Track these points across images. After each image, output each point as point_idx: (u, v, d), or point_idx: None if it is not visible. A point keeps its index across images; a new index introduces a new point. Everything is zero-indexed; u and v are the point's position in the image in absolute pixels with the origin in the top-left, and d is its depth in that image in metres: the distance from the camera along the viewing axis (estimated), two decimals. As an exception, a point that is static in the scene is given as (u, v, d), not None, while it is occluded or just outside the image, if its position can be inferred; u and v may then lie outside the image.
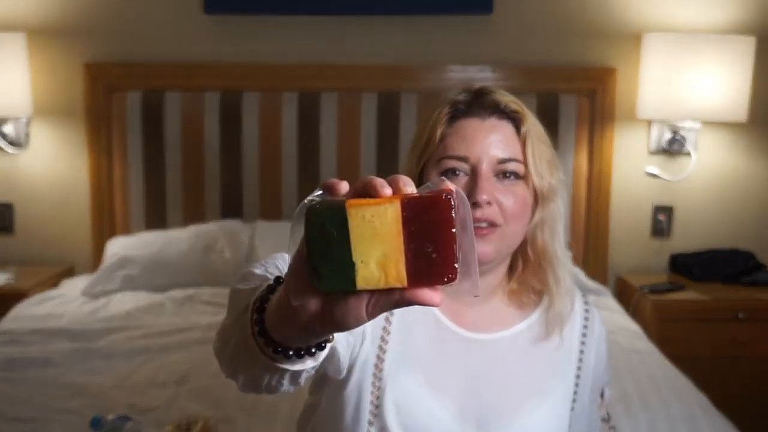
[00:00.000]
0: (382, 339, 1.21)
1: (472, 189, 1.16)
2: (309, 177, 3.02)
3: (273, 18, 3.00)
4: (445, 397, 1.20)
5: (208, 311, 2.60)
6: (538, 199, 1.21)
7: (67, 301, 2.68)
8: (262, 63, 3.03)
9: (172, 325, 2.46)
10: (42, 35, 3.00)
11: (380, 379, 1.19)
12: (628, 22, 3.00)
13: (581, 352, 1.29)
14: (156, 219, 3.05)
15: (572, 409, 1.27)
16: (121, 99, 3.02)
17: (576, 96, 3.01)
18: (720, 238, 3.11)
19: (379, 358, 1.20)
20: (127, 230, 3.05)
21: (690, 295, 2.84)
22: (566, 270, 1.26)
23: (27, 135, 3.04)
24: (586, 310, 1.32)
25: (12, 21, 2.99)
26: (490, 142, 1.18)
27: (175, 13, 3.02)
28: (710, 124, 3.00)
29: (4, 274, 2.89)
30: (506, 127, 1.19)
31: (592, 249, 3.06)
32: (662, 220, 3.10)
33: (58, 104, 3.05)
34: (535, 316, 1.28)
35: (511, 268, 1.28)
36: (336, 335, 0.98)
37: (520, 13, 3.01)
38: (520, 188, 1.19)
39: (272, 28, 3.02)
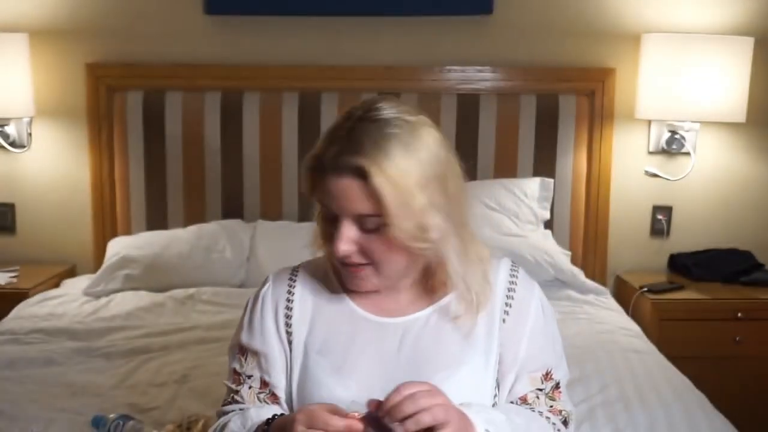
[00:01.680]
0: (287, 332, 1.35)
1: (335, 240, 1.23)
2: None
3: (274, 19, 3.01)
4: (351, 381, 1.28)
5: (208, 311, 2.61)
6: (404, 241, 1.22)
7: (68, 301, 2.69)
8: (263, 63, 3.03)
9: (173, 325, 2.47)
10: (44, 36, 3.01)
11: (291, 370, 1.34)
12: (628, 22, 3.00)
13: (503, 321, 1.32)
14: (157, 219, 3.06)
15: (501, 378, 1.33)
16: (122, 99, 3.03)
17: (575, 96, 3.01)
18: (719, 237, 3.12)
19: (289, 350, 1.35)
20: (128, 230, 3.06)
21: (689, 294, 2.85)
22: (469, 275, 1.30)
23: (29, 135, 3.05)
24: (511, 282, 1.35)
25: (14, 21, 3.00)
26: (344, 198, 1.20)
27: (176, 14, 3.03)
28: (709, 124, 3.01)
29: (5, 274, 2.90)
30: (356, 184, 1.19)
31: (591, 249, 3.07)
32: (661, 219, 3.10)
33: (59, 104, 3.06)
34: (447, 299, 1.33)
35: None
36: (272, 379, 1.34)
37: (520, 13, 3.02)
38: (385, 233, 1.20)
39: (273, 28, 3.03)
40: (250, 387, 1.35)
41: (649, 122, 3.04)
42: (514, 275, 1.37)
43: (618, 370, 2.11)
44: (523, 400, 1.33)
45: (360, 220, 1.22)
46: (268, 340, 1.35)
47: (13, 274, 2.91)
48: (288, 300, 1.36)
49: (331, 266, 1.35)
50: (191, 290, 2.73)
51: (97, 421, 1.76)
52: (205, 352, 2.25)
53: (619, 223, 3.10)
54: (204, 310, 2.61)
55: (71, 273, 3.08)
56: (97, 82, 3.01)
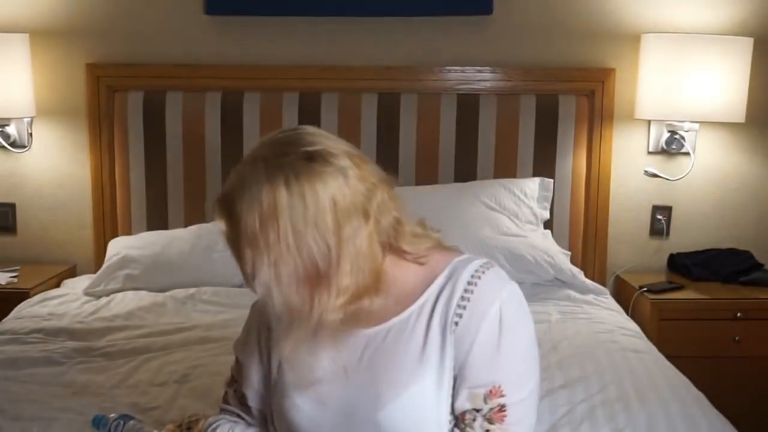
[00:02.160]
0: (269, 346, 1.36)
1: None
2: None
3: (274, 19, 3.01)
4: (312, 392, 1.27)
5: (209, 310, 2.61)
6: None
7: (68, 301, 2.70)
8: (263, 63, 3.04)
9: (174, 325, 2.47)
10: (44, 36, 3.01)
11: (273, 372, 1.35)
12: (627, 23, 3.01)
13: (454, 329, 1.22)
14: (157, 219, 3.06)
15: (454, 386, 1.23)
16: (122, 99, 3.03)
17: (575, 96, 3.02)
18: (718, 237, 3.12)
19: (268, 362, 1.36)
20: (128, 230, 3.07)
21: (688, 294, 2.85)
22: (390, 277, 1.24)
23: (29, 135, 3.06)
24: (469, 285, 1.23)
25: (15, 22, 3.00)
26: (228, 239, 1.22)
27: (176, 14, 3.03)
28: (709, 124, 3.01)
29: (6, 274, 2.91)
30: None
31: (591, 249, 3.07)
32: (661, 219, 3.11)
33: (60, 104, 3.06)
34: (415, 307, 1.26)
35: None
36: (245, 389, 1.39)
37: (520, 13, 3.02)
38: (271, 272, 1.17)
39: (273, 28, 3.03)
40: (235, 391, 1.42)
41: (649, 122, 3.05)
42: (475, 279, 1.24)
43: (617, 370, 2.11)
44: (462, 418, 1.23)
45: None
46: (251, 352, 1.38)
47: (13, 274, 2.92)
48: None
49: None
50: (192, 290, 2.73)
51: (98, 421, 1.76)
52: (205, 351, 2.25)
53: (619, 223, 3.11)
54: (204, 310, 2.61)
55: (72, 273, 3.08)
56: (97, 82, 3.01)
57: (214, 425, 1.41)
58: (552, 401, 1.91)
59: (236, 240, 1.18)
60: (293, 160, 1.13)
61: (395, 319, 1.26)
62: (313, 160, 1.13)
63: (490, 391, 1.21)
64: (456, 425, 1.24)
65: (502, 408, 1.21)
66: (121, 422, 1.73)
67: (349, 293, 1.17)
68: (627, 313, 2.75)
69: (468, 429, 1.22)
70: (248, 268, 1.18)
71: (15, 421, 1.80)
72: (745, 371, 2.79)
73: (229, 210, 1.18)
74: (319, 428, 1.27)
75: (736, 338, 2.77)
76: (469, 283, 1.23)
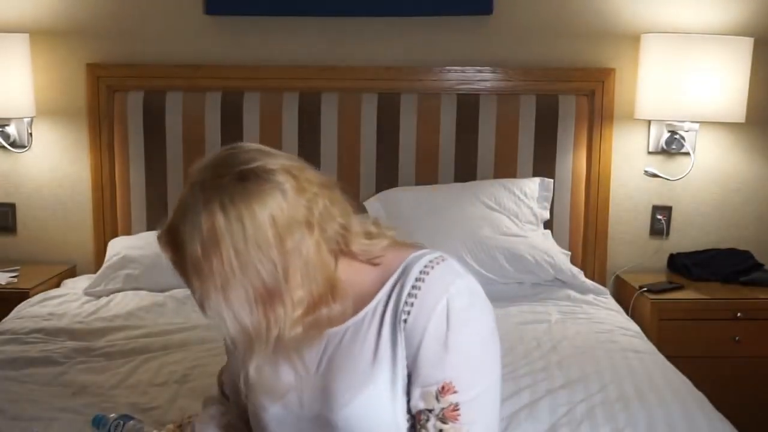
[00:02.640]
0: None
1: None
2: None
3: (274, 19, 3.01)
4: (273, 390, 1.27)
5: (209, 311, 2.61)
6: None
7: (68, 301, 2.70)
8: (263, 63, 3.04)
9: (174, 325, 2.47)
10: (45, 36, 3.01)
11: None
12: (627, 23, 3.01)
13: (403, 326, 1.20)
14: (157, 218, 3.05)
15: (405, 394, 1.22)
16: (122, 99, 3.03)
17: (575, 96, 3.01)
18: (718, 237, 3.12)
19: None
20: (128, 230, 3.07)
21: (688, 294, 2.85)
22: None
23: (29, 135, 3.06)
24: (418, 280, 1.20)
25: (15, 22, 3.00)
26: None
27: (176, 14, 3.03)
28: (709, 124, 3.01)
29: (6, 274, 2.91)
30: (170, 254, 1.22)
31: (590, 249, 3.07)
32: (661, 219, 3.11)
33: (60, 104, 3.06)
34: (369, 307, 1.24)
35: None
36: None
37: (520, 13, 3.02)
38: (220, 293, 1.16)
39: (273, 29, 3.03)
40: (225, 364, 1.50)
41: (649, 122, 3.04)
42: (423, 274, 1.20)
43: (617, 370, 2.11)
44: (417, 420, 1.21)
45: None
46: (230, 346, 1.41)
47: (13, 274, 2.92)
48: None
49: None
50: (191, 290, 2.73)
51: (98, 421, 1.76)
52: (205, 352, 2.25)
53: (619, 223, 3.11)
54: (204, 310, 2.61)
55: (72, 273, 3.08)
56: (97, 82, 3.01)
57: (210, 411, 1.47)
58: (552, 401, 1.91)
59: (183, 269, 1.18)
60: (227, 182, 1.12)
61: (351, 321, 1.25)
62: (248, 180, 1.12)
63: (442, 388, 1.18)
64: (413, 426, 1.23)
65: (455, 407, 1.18)
66: (121, 422, 1.73)
67: (304, 304, 1.16)
68: (627, 313, 2.75)
69: (422, 430, 1.20)
70: (197, 296, 1.16)
71: (15, 421, 1.80)
72: (746, 371, 2.79)
73: (174, 240, 1.17)
74: (285, 428, 1.29)
75: (737, 338, 2.77)
76: (417, 279, 1.20)
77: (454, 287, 1.20)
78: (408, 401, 1.22)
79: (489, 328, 1.24)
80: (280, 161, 1.18)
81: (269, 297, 1.14)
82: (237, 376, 1.30)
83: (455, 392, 1.18)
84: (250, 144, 1.21)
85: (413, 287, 1.20)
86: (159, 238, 1.20)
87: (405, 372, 1.21)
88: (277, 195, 1.13)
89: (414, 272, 1.21)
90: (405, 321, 1.19)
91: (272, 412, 1.29)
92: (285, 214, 1.13)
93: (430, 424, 1.19)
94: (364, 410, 1.21)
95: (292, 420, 1.28)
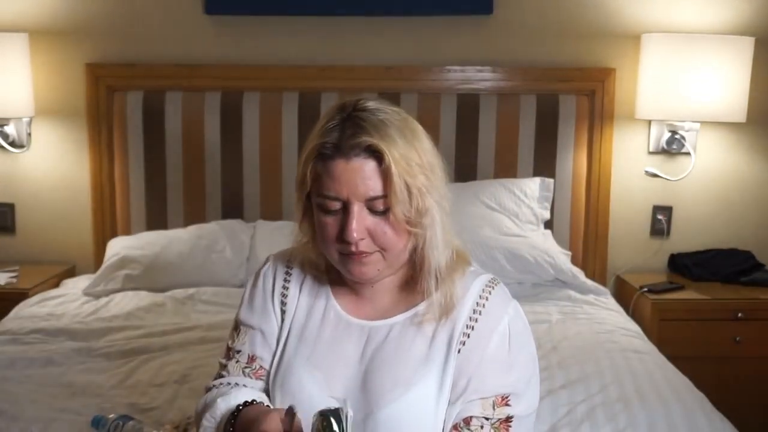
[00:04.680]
0: (282, 318, 1.40)
1: (343, 228, 1.24)
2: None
3: (273, 18, 3.01)
4: (319, 373, 1.31)
5: (208, 311, 2.61)
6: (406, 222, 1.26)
7: (68, 301, 2.69)
8: (263, 63, 3.03)
9: (173, 325, 2.46)
10: (44, 36, 3.01)
11: (279, 345, 1.38)
12: (627, 22, 3.00)
13: (462, 344, 1.29)
14: (157, 219, 3.06)
15: (452, 402, 1.28)
16: (122, 99, 3.03)
17: (575, 96, 3.01)
18: (719, 237, 3.12)
19: (279, 329, 1.39)
20: (127, 230, 3.06)
21: (689, 294, 2.85)
22: (453, 274, 1.32)
23: (28, 135, 3.05)
24: (478, 304, 1.31)
25: (14, 21, 3.00)
26: (356, 182, 1.23)
27: (175, 14, 3.03)
28: (709, 124, 3.01)
29: (6, 274, 2.91)
30: (370, 165, 1.23)
31: (591, 249, 3.07)
32: (661, 219, 3.10)
33: (59, 104, 3.06)
34: (419, 307, 1.33)
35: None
36: (262, 354, 1.39)
37: (520, 13, 3.02)
38: (391, 218, 1.24)
39: (273, 28, 3.03)
40: (237, 361, 1.41)
41: (649, 122, 3.04)
42: (484, 297, 1.32)
43: (618, 370, 2.11)
44: (466, 423, 1.27)
45: (369, 204, 1.24)
46: (267, 317, 1.40)
47: (13, 274, 2.91)
48: (285, 281, 1.41)
49: (323, 261, 1.37)
50: (191, 290, 2.73)
51: (97, 421, 1.76)
52: (205, 352, 2.25)
53: (619, 223, 3.11)
54: (204, 310, 2.61)
55: (71, 273, 3.08)
56: (97, 82, 3.01)
57: (203, 401, 1.39)
58: (552, 401, 1.90)
59: (406, 167, 1.23)
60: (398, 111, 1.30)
61: (399, 317, 1.33)
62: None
63: (500, 399, 1.27)
64: (457, 430, 1.27)
65: (509, 419, 1.27)
66: (120, 423, 1.73)
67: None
68: (627, 314, 2.75)
69: None
70: (416, 194, 1.24)
71: (14, 422, 1.80)
72: (746, 372, 2.79)
73: (393, 139, 1.24)
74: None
75: (737, 339, 2.77)
76: (480, 297, 1.31)
77: (512, 310, 1.32)
78: (448, 416, 1.28)
79: (534, 350, 1.36)
80: None
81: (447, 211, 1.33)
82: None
83: (509, 405, 1.27)
84: None
85: (476, 306, 1.30)
86: (366, 139, 1.23)
87: (452, 380, 1.28)
88: (428, 136, 1.31)
89: (474, 291, 1.32)
90: (468, 336, 1.29)
91: (309, 391, 1.30)
92: (434, 157, 1.30)
93: (485, 430, 1.26)
94: (409, 409, 1.25)
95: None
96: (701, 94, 2.84)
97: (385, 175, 1.22)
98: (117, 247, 2.87)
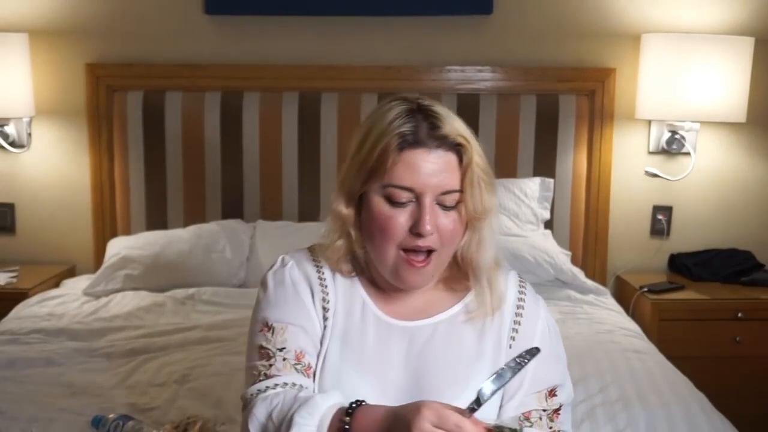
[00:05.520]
0: (324, 316, 1.34)
1: (417, 220, 1.23)
2: (309, 177, 3.03)
3: (273, 18, 3.01)
4: (370, 376, 1.28)
5: (208, 311, 2.60)
6: (468, 220, 1.28)
7: (68, 301, 2.69)
8: (263, 63, 3.03)
9: (173, 325, 2.46)
10: (44, 36, 3.01)
11: (323, 347, 1.32)
12: (627, 22, 3.00)
13: (512, 339, 1.33)
14: (157, 219, 3.06)
15: (507, 399, 1.32)
16: (122, 99, 3.03)
17: (575, 96, 3.01)
18: (719, 237, 3.12)
19: (323, 333, 1.34)
20: (128, 230, 3.06)
21: (689, 294, 2.85)
22: (496, 271, 1.33)
23: (29, 135, 3.05)
24: (520, 299, 1.36)
25: (14, 21, 3.00)
26: (435, 174, 1.23)
27: (175, 14, 3.03)
28: (709, 124, 3.01)
29: (6, 274, 2.90)
30: (451, 159, 1.24)
31: (591, 249, 3.07)
32: (661, 219, 3.10)
33: (59, 104, 3.06)
34: (460, 306, 1.34)
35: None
36: (308, 351, 1.31)
37: (520, 13, 3.02)
38: (457, 214, 1.26)
39: (273, 28, 3.03)
40: (284, 359, 1.29)
41: (649, 122, 3.04)
42: (522, 292, 1.37)
43: (618, 370, 2.11)
44: (527, 417, 1.31)
45: (440, 198, 1.24)
46: (306, 315, 1.33)
47: (13, 274, 2.91)
48: (322, 284, 1.35)
49: (361, 260, 1.34)
50: (191, 290, 2.73)
51: (97, 421, 1.76)
52: (205, 352, 2.25)
53: (619, 223, 3.10)
54: (204, 310, 2.61)
55: (71, 273, 3.08)
56: (97, 82, 3.01)
57: (271, 404, 1.24)
58: (552, 401, 1.90)
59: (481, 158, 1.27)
60: None
61: (442, 315, 1.33)
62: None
63: (549, 391, 1.32)
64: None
65: (558, 409, 1.32)
66: (120, 423, 1.73)
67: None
68: (627, 314, 2.75)
69: (536, 425, 1.31)
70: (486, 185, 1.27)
71: (14, 422, 1.80)
72: (746, 372, 2.79)
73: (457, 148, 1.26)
74: None
75: (737, 338, 2.77)
76: (519, 293, 1.36)
77: (542, 303, 1.39)
78: (503, 411, 1.31)
79: None
80: None
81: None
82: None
83: (556, 395, 1.33)
84: None
85: (517, 306, 1.35)
86: (439, 142, 1.24)
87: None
88: None
89: (512, 286, 1.37)
90: (511, 344, 1.33)
91: (364, 396, 1.25)
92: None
93: (543, 423, 1.31)
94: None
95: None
96: (701, 94, 2.84)
97: (464, 171, 1.23)
98: (117, 247, 2.87)
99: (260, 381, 1.28)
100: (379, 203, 1.25)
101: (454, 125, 1.25)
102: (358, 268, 1.36)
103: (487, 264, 1.31)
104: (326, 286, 1.34)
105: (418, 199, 1.23)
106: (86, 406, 1.89)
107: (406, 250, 1.25)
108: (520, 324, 1.33)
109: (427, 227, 1.22)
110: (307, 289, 1.34)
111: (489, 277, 1.32)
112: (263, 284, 1.38)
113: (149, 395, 1.98)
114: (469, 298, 1.35)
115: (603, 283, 2.99)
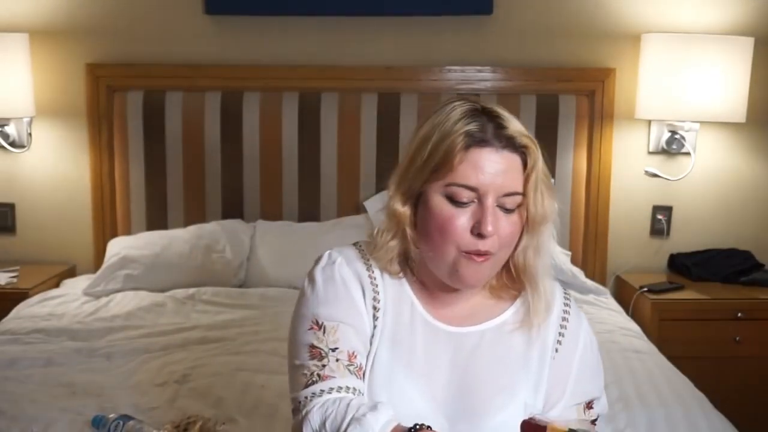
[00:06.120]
0: (374, 316, 1.31)
1: (479, 220, 1.21)
2: (309, 177, 3.03)
3: (273, 18, 3.01)
4: (421, 380, 1.27)
5: (209, 311, 2.61)
6: (528, 224, 1.27)
7: (68, 301, 2.69)
8: (263, 63, 3.03)
9: (173, 325, 2.47)
10: (44, 36, 3.01)
11: (372, 348, 1.29)
12: (627, 22, 3.00)
13: (556, 351, 1.31)
14: (157, 219, 3.06)
15: (547, 409, 1.30)
16: (122, 99, 3.03)
17: (575, 96, 3.01)
18: (719, 237, 3.12)
19: (372, 333, 1.31)
20: (128, 230, 3.06)
21: (689, 294, 2.85)
22: (547, 279, 1.32)
23: (29, 135, 3.05)
24: (565, 311, 1.34)
25: (14, 21, 3.00)
26: (500, 174, 1.22)
27: (176, 14, 3.03)
28: (709, 124, 3.01)
29: (6, 274, 2.90)
30: (516, 161, 1.24)
31: (591, 249, 3.07)
32: (661, 219, 3.11)
33: (60, 104, 3.06)
34: (508, 314, 1.33)
35: None
36: (359, 351, 1.28)
37: (520, 13, 3.02)
38: (516, 217, 1.25)
39: (273, 28, 3.03)
40: (337, 360, 1.25)
41: (649, 122, 3.04)
42: (567, 304, 1.35)
43: (618, 370, 2.11)
44: None
45: (501, 200, 1.23)
46: (357, 313, 1.29)
47: (13, 274, 2.91)
48: (373, 283, 1.31)
49: (420, 259, 1.30)
50: (191, 290, 2.73)
51: (97, 421, 1.76)
52: (205, 352, 2.25)
53: (619, 223, 3.10)
54: (204, 310, 2.61)
55: (71, 273, 3.08)
56: (97, 82, 3.01)
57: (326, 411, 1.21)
58: (552, 401, 1.90)
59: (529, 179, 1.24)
60: None
61: (490, 323, 1.32)
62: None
63: (587, 404, 1.32)
64: None
65: (594, 421, 1.32)
66: (121, 422, 1.73)
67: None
68: (627, 314, 2.75)
69: None
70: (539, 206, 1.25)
71: (15, 421, 1.80)
72: (746, 372, 2.79)
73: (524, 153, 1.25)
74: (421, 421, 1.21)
75: (737, 338, 2.77)
76: (564, 304, 1.35)
77: (585, 318, 1.37)
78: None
79: None
80: None
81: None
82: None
83: (593, 408, 1.33)
84: None
85: (562, 318, 1.33)
86: (505, 142, 1.23)
87: (546, 386, 1.31)
88: None
89: (557, 298, 1.34)
90: (555, 353, 1.31)
91: (417, 405, 1.26)
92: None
93: None
94: (516, 414, 1.23)
95: (437, 417, 1.26)
96: (701, 94, 2.84)
97: (528, 174, 1.23)
98: (117, 247, 2.87)
99: (314, 383, 1.24)
100: (440, 202, 1.24)
101: (519, 127, 1.24)
102: (406, 269, 1.34)
103: (543, 270, 1.30)
104: (377, 286, 1.32)
105: (480, 199, 1.22)
106: (86, 406, 1.89)
107: (466, 252, 1.24)
108: (563, 336, 1.32)
109: (489, 228, 1.20)
110: (358, 287, 1.31)
111: (544, 284, 1.30)
112: (311, 280, 1.32)
113: (149, 395, 1.98)
114: (517, 306, 1.33)
115: (603, 283, 2.99)
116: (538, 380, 1.29)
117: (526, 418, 1.16)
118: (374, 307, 1.30)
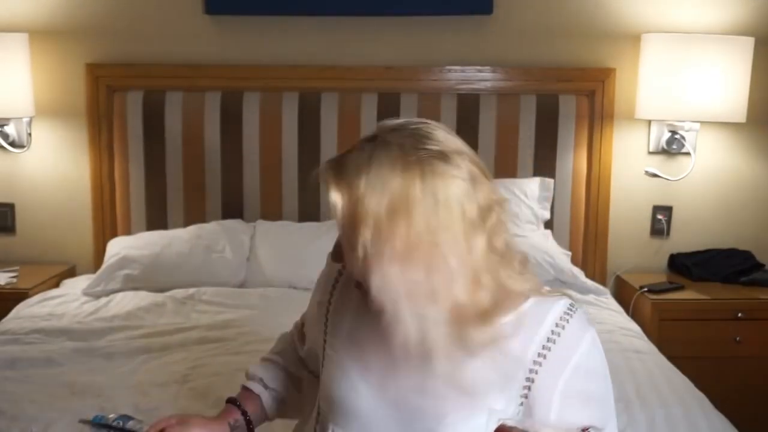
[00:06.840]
0: (327, 309, 1.34)
1: None
2: (309, 177, 3.03)
3: (274, 18, 3.01)
4: (372, 377, 1.22)
5: (209, 311, 2.60)
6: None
7: (68, 301, 2.69)
8: (263, 63, 3.03)
9: (173, 325, 2.46)
10: (44, 36, 3.01)
11: (325, 342, 1.32)
12: (627, 22, 3.00)
13: (535, 372, 1.17)
14: (157, 219, 3.06)
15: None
16: (122, 99, 3.03)
17: (575, 96, 3.01)
18: (719, 237, 3.12)
19: (325, 323, 1.34)
20: (128, 230, 3.06)
21: (689, 294, 2.85)
22: (521, 284, 1.18)
23: (29, 135, 3.05)
24: (554, 332, 1.18)
25: (14, 21, 3.00)
26: None
27: (176, 14, 3.03)
28: (709, 124, 3.01)
29: (6, 274, 2.90)
30: None
31: (591, 249, 3.07)
32: (661, 219, 3.11)
33: (59, 104, 3.06)
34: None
35: None
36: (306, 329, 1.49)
37: (520, 13, 3.02)
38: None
39: (273, 28, 3.03)
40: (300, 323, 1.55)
41: (649, 122, 3.04)
42: (561, 324, 1.19)
43: (618, 371, 2.11)
44: None
45: None
46: (317, 304, 1.40)
47: (13, 274, 2.91)
48: (338, 280, 1.34)
49: None
50: (191, 290, 2.73)
51: (98, 421, 1.75)
52: (205, 352, 2.25)
53: (619, 223, 3.11)
54: (204, 310, 2.61)
55: (71, 273, 3.08)
56: (97, 82, 3.01)
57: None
58: (553, 401, 1.90)
59: (349, 215, 1.09)
60: (428, 156, 1.07)
61: None
62: (449, 162, 1.08)
63: (582, 430, 1.20)
64: None
65: None
66: (121, 422, 1.73)
67: (460, 306, 1.10)
68: (627, 314, 2.75)
69: None
70: (359, 249, 1.07)
71: (15, 421, 1.80)
72: (746, 372, 2.79)
73: (347, 181, 1.08)
74: (370, 421, 1.21)
75: (737, 338, 2.77)
76: (556, 326, 1.18)
77: (589, 339, 1.23)
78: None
79: (609, 377, 1.27)
80: (471, 155, 1.13)
81: (436, 282, 1.07)
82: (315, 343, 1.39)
83: None
84: (442, 125, 1.16)
85: (548, 339, 1.17)
86: (324, 172, 1.10)
87: (516, 402, 1.18)
88: (467, 186, 1.08)
89: (550, 318, 1.18)
90: (540, 364, 1.17)
91: (365, 398, 1.21)
92: (470, 207, 1.08)
93: None
94: (475, 417, 1.16)
95: (382, 414, 1.21)
96: (701, 94, 2.84)
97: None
98: (117, 247, 2.87)
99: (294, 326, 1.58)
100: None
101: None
102: None
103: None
104: (337, 282, 1.36)
105: None
106: (86, 406, 1.89)
107: None
108: (545, 358, 1.17)
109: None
110: (330, 281, 1.42)
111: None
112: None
113: (149, 395, 1.98)
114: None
115: (603, 283, 2.99)
116: (510, 396, 1.17)
117: (499, 424, 1.11)
118: (328, 308, 1.34)
